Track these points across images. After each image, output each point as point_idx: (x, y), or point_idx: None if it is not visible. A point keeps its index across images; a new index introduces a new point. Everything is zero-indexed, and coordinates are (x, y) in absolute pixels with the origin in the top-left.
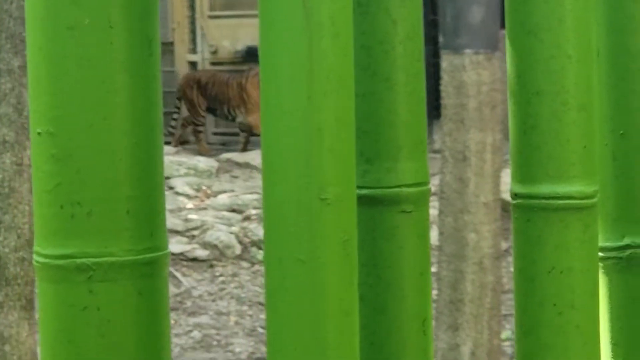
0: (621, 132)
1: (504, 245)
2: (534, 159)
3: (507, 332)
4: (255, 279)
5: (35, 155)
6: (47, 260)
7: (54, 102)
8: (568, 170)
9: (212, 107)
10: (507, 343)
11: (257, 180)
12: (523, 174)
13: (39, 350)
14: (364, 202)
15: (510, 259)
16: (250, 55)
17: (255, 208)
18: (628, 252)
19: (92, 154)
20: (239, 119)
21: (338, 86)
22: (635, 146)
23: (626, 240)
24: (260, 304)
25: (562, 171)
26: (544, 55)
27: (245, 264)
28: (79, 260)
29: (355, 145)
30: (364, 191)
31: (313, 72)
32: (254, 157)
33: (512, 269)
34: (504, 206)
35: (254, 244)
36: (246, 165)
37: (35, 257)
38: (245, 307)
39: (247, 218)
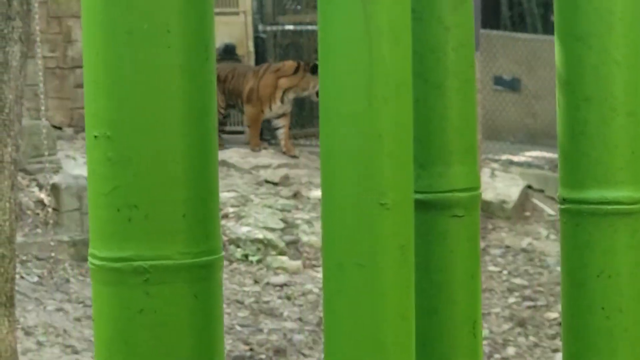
0: None
1: (482, 244)
2: (583, 164)
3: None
4: (232, 277)
5: (92, 159)
6: (103, 263)
7: (112, 106)
8: (616, 176)
9: (231, 103)
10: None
11: (235, 179)
12: (571, 179)
13: (19, 347)
14: (417, 206)
15: (487, 257)
16: (227, 52)
17: (232, 206)
18: None
19: (149, 158)
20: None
21: (397, 92)
22: None
23: None
24: (239, 302)
25: (611, 176)
26: (592, 62)
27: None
28: (135, 263)
29: (412, 151)
30: (417, 196)
31: (373, 77)
32: (231, 155)
33: (489, 268)
34: (482, 206)
35: (232, 242)
36: (223, 164)
37: (90, 259)
38: (223, 306)
39: (224, 216)
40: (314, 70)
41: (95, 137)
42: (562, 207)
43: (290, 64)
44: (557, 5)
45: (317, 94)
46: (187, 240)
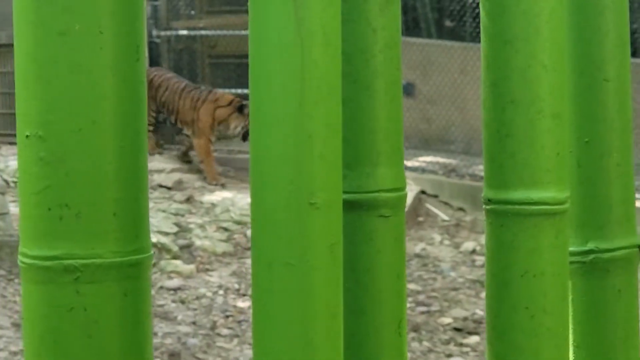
0: (586, 139)
1: None
2: (508, 165)
3: None
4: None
5: (23, 158)
6: (33, 262)
7: (44, 106)
8: (542, 177)
9: (162, 113)
10: None
11: None
12: (497, 180)
13: None
14: (344, 206)
15: None
16: None
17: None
18: (591, 256)
19: (81, 157)
20: (185, 132)
21: (328, 94)
22: (599, 154)
23: (590, 245)
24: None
25: (537, 178)
26: (520, 65)
27: None
28: (66, 262)
29: (341, 151)
30: (344, 196)
31: (305, 80)
32: None
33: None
34: None
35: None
36: None
37: (20, 257)
38: (151, 303)
39: None
40: (240, 109)
41: (27, 136)
42: (487, 207)
43: (227, 97)
44: (484, 8)
45: (243, 135)
46: (118, 239)
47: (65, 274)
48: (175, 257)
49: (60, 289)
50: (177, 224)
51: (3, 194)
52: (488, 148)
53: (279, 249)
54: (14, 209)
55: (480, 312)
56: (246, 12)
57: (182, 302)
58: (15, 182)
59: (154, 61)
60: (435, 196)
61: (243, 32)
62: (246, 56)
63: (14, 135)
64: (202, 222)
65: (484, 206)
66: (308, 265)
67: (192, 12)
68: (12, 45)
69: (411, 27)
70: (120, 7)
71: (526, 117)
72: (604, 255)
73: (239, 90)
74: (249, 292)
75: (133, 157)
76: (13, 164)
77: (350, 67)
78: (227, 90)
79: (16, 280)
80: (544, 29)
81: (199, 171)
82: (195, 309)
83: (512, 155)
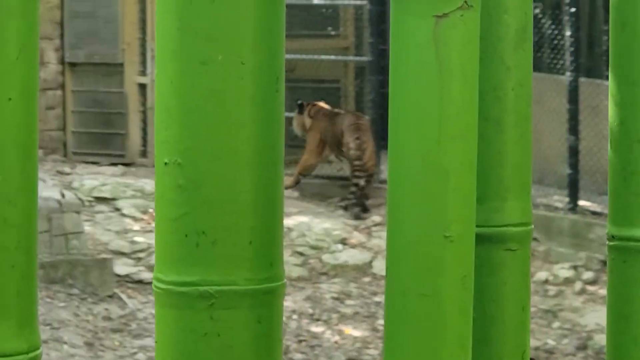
0: None
1: None
2: (634, 203)
3: None
4: None
5: (161, 185)
6: (169, 287)
7: (184, 134)
8: None
9: None
10: None
11: None
12: (621, 217)
13: None
14: None
15: None
16: None
17: None
18: None
19: (218, 185)
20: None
21: (465, 130)
22: None
23: None
24: None
25: None
26: None
27: None
28: (201, 288)
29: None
30: None
31: (443, 117)
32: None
33: None
34: None
35: None
36: None
37: (155, 283)
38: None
39: None
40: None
41: (166, 163)
42: (611, 243)
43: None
44: (613, 50)
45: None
46: (253, 267)
47: (200, 299)
48: None
49: (195, 315)
50: None
51: (78, 212)
52: (613, 185)
53: (414, 279)
54: (88, 228)
55: (551, 342)
56: (325, 36)
57: None
58: (90, 201)
59: None
60: None
61: (322, 57)
62: (324, 80)
63: (89, 154)
64: None
65: (607, 242)
66: (441, 296)
67: None
68: (88, 64)
69: None
70: (262, 39)
71: None
72: None
73: None
74: (323, 317)
75: (269, 187)
76: (88, 182)
77: (482, 103)
78: None
79: (89, 300)
80: None
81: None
82: None
83: (637, 194)
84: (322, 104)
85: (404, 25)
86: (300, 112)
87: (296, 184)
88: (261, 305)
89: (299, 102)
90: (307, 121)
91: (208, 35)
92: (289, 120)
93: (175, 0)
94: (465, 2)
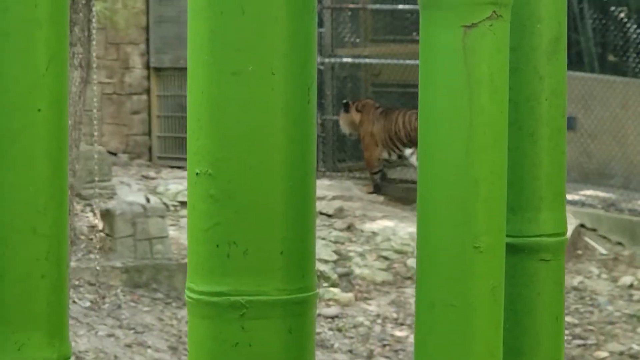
0: None
1: None
2: None
3: None
4: None
5: (193, 195)
6: (200, 297)
7: (215, 145)
8: None
9: None
10: None
11: None
12: None
13: None
14: (506, 249)
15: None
16: None
17: None
18: None
19: (250, 196)
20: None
21: (494, 141)
22: None
23: None
24: None
25: None
26: None
27: None
28: (232, 298)
29: (506, 196)
30: (506, 239)
31: (472, 126)
32: None
33: None
34: None
35: None
36: None
37: (187, 293)
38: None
39: None
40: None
41: (197, 174)
42: None
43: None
44: None
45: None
46: (284, 277)
47: (231, 309)
48: (333, 285)
49: (227, 325)
50: (336, 252)
51: (163, 217)
52: None
53: (443, 289)
54: (173, 232)
55: (636, 347)
56: (410, 41)
57: (339, 330)
58: (174, 206)
59: (318, 88)
60: (594, 230)
61: (407, 61)
62: (409, 85)
63: (174, 159)
64: (362, 250)
65: None
66: (470, 306)
67: (357, 40)
68: (173, 68)
69: (574, 61)
70: (292, 49)
71: None
72: None
73: None
74: (408, 321)
75: (301, 197)
76: (173, 187)
77: (516, 114)
78: None
79: (174, 304)
80: None
81: (360, 199)
82: (352, 338)
83: None
84: (369, 100)
85: (433, 35)
86: (347, 110)
87: (376, 186)
88: (292, 315)
89: (345, 101)
90: (356, 116)
91: (239, 46)
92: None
93: (206, 11)
94: (495, 11)
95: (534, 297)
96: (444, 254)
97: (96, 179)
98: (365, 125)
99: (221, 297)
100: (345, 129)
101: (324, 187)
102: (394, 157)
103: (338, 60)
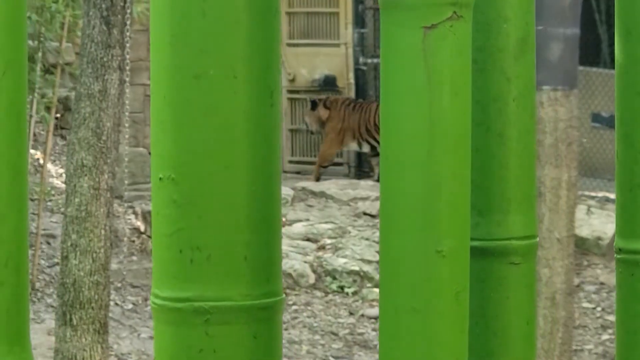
0: None
1: (576, 280)
2: (639, 216)
3: None
4: (328, 309)
5: (156, 200)
6: (164, 303)
7: (177, 149)
8: None
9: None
10: None
11: (333, 210)
12: (628, 230)
13: None
14: (475, 253)
15: (582, 294)
16: (327, 84)
17: (330, 238)
18: None
19: (213, 201)
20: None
21: (456, 143)
22: None
23: None
24: (333, 333)
25: None
26: None
27: (318, 294)
28: (196, 304)
29: (469, 200)
30: (475, 243)
31: (433, 129)
32: (329, 186)
33: (584, 304)
34: (577, 242)
35: (328, 273)
36: (321, 195)
37: (152, 299)
38: (317, 337)
39: (321, 248)
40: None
41: (160, 179)
42: (618, 256)
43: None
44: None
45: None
46: (248, 282)
47: (195, 315)
48: (377, 286)
49: (191, 331)
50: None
51: None
52: (620, 198)
53: (406, 294)
54: None
55: None
56: None
57: None
58: None
59: (360, 88)
60: None
61: None
62: None
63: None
64: None
65: (615, 255)
66: (433, 311)
67: None
68: None
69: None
70: (254, 52)
71: None
72: None
73: None
74: None
75: (265, 201)
76: None
77: (483, 115)
78: None
79: None
80: None
81: None
82: None
83: None
84: (338, 97)
85: (393, 36)
86: (313, 108)
87: (318, 180)
88: (258, 320)
89: (311, 99)
90: (323, 113)
91: (200, 49)
92: None
93: (168, 15)
94: (455, 12)
95: (504, 301)
96: (407, 258)
97: (139, 180)
98: (333, 122)
99: (185, 303)
100: (312, 126)
101: (367, 187)
102: (366, 148)
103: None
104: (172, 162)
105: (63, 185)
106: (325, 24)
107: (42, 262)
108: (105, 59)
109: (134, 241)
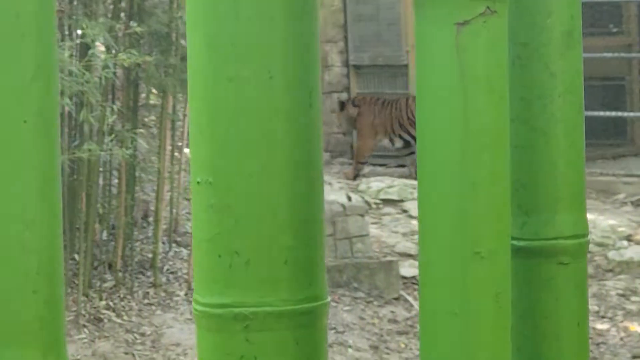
0: None
1: None
2: None
3: None
4: None
5: (195, 204)
6: (205, 309)
7: (214, 152)
8: None
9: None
10: None
11: None
12: None
13: None
14: (522, 253)
15: None
16: None
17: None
18: None
19: (251, 204)
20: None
21: (492, 142)
22: None
23: None
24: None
25: None
26: None
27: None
28: (236, 310)
29: (510, 199)
30: (522, 243)
31: (468, 128)
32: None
33: None
34: None
35: None
36: None
37: (194, 304)
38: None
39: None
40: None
41: (198, 182)
42: None
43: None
44: None
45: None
46: (289, 287)
47: (235, 322)
48: None
49: (231, 337)
50: None
51: (362, 215)
52: None
53: (444, 297)
54: (374, 230)
55: None
56: (606, 34)
57: None
58: (377, 204)
59: None
60: None
61: (604, 55)
62: (607, 78)
63: (375, 156)
64: None
65: None
66: (472, 314)
67: None
68: (373, 66)
69: None
70: (291, 52)
71: None
72: None
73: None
74: (608, 314)
75: (307, 204)
76: (375, 185)
77: (528, 112)
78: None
79: (375, 303)
80: None
81: None
82: None
83: None
84: (365, 95)
85: (427, 34)
86: (342, 109)
87: (356, 177)
88: (299, 326)
89: (340, 100)
90: (353, 111)
91: (234, 51)
92: None
93: (202, 17)
94: (488, 7)
95: (553, 302)
96: (444, 260)
97: None
98: (364, 117)
99: (225, 309)
100: (344, 126)
101: None
102: (399, 144)
103: None
104: (209, 166)
105: None
106: None
107: None
108: None
109: None
